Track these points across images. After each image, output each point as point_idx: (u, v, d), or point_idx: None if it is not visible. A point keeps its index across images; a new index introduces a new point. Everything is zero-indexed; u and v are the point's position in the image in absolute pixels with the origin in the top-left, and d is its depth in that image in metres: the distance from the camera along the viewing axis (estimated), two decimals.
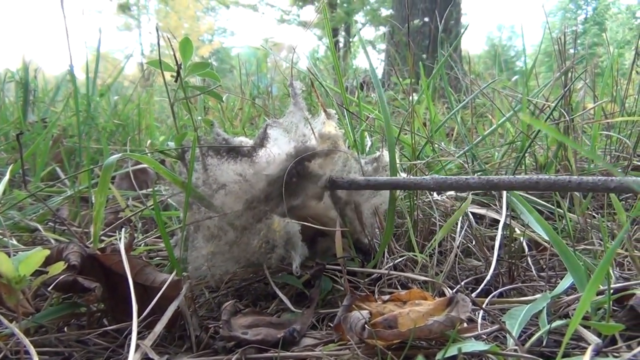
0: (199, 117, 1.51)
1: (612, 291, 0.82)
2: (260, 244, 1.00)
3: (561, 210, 1.18)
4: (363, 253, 1.12)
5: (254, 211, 1.01)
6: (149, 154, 1.49)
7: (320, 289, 1.00)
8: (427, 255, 1.10)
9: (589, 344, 0.71)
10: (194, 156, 0.97)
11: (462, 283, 1.04)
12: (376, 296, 0.92)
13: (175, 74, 1.01)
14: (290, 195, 1.03)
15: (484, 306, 0.90)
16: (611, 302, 0.80)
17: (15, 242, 1.15)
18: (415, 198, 1.22)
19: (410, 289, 0.93)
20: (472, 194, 1.43)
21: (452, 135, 2.47)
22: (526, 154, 1.55)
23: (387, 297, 0.88)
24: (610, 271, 0.97)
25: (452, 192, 1.37)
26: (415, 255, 1.08)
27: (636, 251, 1.08)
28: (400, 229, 1.26)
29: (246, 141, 1.07)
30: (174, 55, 0.99)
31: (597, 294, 0.86)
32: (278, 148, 1.05)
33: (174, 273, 0.88)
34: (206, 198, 1.01)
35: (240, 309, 0.98)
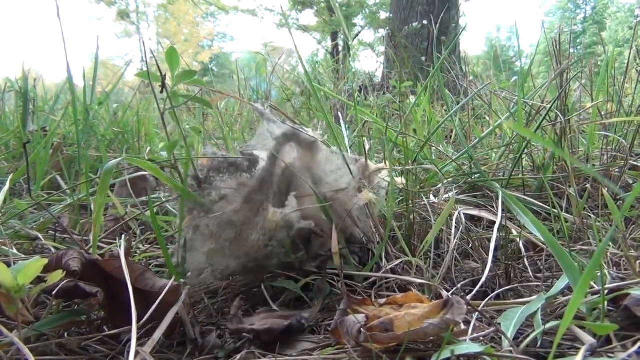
0: (187, 126, 1.52)
1: (606, 291, 0.82)
2: (258, 237, 1.01)
3: (557, 211, 1.19)
4: (358, 247, 1.13)
5: (251, 204, 1.02)
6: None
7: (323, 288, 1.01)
8: (423, 258, 1.11)
9: (584, 344, 0.72)
10: (188, 166, 0.98)
11: (459, 285, 1.05)
12: (373, 300, 0.93)
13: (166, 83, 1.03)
14: (281, 195, 1.05)
15: (480, 308, 0.91)
16: (606, 303, 0.81)
17: (15, 251, 1.16)
18: (411, 202, 1.23)
19: (408, 292, 0.93)
20: (468, 195, 1.44)
21: (451, 137, 2.48)
22: (523, 156, 1.56)
23: (383, 300, 0.88)
24: (606, 271, 0.98)
25: (447, 195, 1.37)
26: (412, 258, 1.09)
27: (632, 251, 1.09)
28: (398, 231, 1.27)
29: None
30: (157, 65, 1.00)
31: (593, 294, 0.87)
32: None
33: (172, 278, 0.89)
34: (206, 204, 1.03)
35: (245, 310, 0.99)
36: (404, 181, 1.25)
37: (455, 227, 1.15)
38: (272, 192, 1.05)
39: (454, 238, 1.11)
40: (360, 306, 0.87)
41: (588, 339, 0.74)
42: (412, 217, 1.22)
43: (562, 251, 0.87)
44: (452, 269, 1.12)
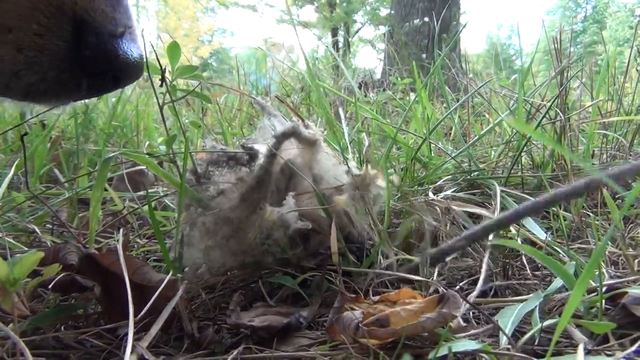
0: (186, 120, 1.52)
1: (604, 290, 0.82)
2: (255, 235, 1.01)
3: (555, 209, 1.19)
4: (356, 247, 1.13)
5: (247, 202, 1.02)
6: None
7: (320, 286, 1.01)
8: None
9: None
10: (187, 160, 0.98)
11: (458, 284, 1.05)
12: (369, 297, 0.92)
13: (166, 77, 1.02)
14: (280, 193, 1.04)
15: (477, 305, 0.91)
16: (604, 301, 0.81)
17: (13, 242, 1.15)
18: (409, 200, 1.22)
19: (401, 288, 0.93)
20: (467, 193, 1.43)
21: (450, 135, 2.47)
22: (522, 153, 1.56)
23: (377, 298, 0.88)
24: (604, 270, 0.98)
25: (447, 193, 1.37)
26: (409, 256, 1.09)
27: (630, 250, 1.09)
28: (396, 229, 1.26)
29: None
30: (157, 59, 1.00)
31: (590, 293, 0.87)
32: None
33: (170, 273, 0.89)
34: (204, 200, 1.02)
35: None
36: (398, 178, 1.25)
37: (454, 224, 1.15)
38: (270, 190, 1.04)
39: (452, 236, 1.11)
40: (353, 304, 0.87)
41: (581, 337, 0.74)
42: (409, 214, 1.21)
43: (549, 259, 0.88)
44: (449, 266, 1.12)
